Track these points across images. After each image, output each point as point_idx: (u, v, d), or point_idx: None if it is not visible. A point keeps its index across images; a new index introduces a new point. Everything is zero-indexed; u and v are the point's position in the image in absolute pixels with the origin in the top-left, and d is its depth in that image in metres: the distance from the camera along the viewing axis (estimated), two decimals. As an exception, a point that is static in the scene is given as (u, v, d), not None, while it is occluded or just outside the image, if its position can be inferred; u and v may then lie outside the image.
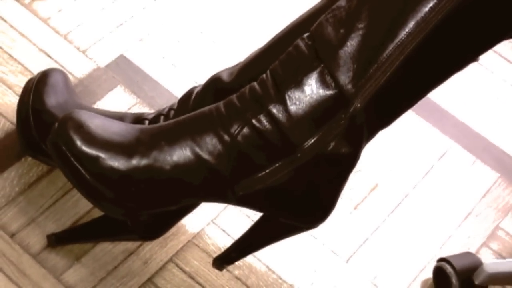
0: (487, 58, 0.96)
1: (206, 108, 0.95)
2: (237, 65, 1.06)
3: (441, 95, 1.36)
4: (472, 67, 0.96)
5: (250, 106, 0.92)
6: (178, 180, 0.94)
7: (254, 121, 0.91)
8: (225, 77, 1.05)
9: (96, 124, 0.96)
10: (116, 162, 0.94)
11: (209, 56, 1.36)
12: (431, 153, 1.32)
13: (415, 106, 0.95)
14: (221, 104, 0.94)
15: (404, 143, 1.32)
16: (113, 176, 0.94)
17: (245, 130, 0.92)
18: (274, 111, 0.91)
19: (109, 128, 0.96)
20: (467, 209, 1.27)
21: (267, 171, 0.92)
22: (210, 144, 0.93)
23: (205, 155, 0.93)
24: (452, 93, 1.38)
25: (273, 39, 1.04)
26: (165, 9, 1.40)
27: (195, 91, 1.08)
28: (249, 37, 1.39)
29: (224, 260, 1.05)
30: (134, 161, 0.94)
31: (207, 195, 0.95)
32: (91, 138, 0.95)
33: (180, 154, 0.93)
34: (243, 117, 0.92)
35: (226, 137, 0.92)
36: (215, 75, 1.07)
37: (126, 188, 0.94)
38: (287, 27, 1.04)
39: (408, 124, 1.33)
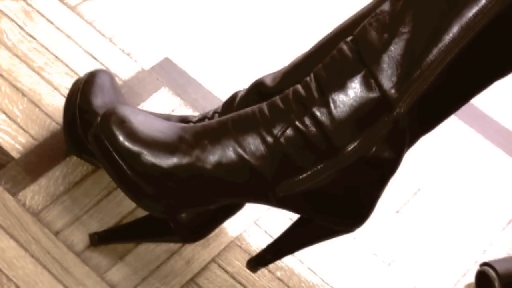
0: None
1: (249, 109, 0.95)
2: (280, 70, 1.06)
3: (484, 100, 1.35)
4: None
5: (294, 108, 0.92)
6: (219, 180, 0.94)
7: (297, 122, 0.91)
8: (268, 81, 1.05)
9: (139, 120, 0.96)
10: (158, 159, 0.94)
11: (253, 59, 1.36)
12: (473, 159, 1.31)
13: (458, 111, 0.94)
14: (264, 105, 0.94)
15: (446, 149, 1.31)
16: (154, 172, 0.94)
17: (288, 131, 0.92)
18: (318, 113, 0.90)
19: (151, 125, 0.97)
20: (511, 213, 1.26)
21: (309, 173, 0.92)
22: (252, 145, 0.93)
23: (247, 156, 0.93)
24: (496, 98, 1.37)
25: (316, 44, 1.04)
26: (210, 12, 1.41)
27: (239, 95, 1.08)
28: (294, 42, 1.39)
29: (259, 261, 1.05)
30: (176, 159, 0.94)
31: (248, 195, 0.95)
32: (133, 134, 0.95)
33: (223, 154, 0.93)
34: (286, 118, 0.92)
35: (269, 138, 0.92)
36: (258, 79, 1.07)
37: (166, 185, 0.94)
38: (330, 33, 1.03)
39: (451, 130, 1.33)
